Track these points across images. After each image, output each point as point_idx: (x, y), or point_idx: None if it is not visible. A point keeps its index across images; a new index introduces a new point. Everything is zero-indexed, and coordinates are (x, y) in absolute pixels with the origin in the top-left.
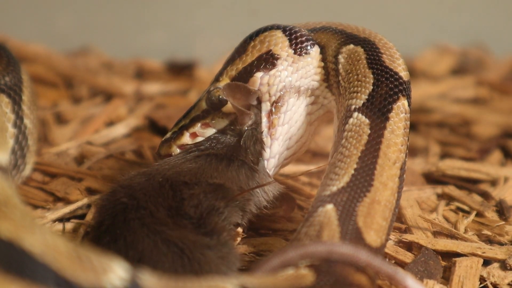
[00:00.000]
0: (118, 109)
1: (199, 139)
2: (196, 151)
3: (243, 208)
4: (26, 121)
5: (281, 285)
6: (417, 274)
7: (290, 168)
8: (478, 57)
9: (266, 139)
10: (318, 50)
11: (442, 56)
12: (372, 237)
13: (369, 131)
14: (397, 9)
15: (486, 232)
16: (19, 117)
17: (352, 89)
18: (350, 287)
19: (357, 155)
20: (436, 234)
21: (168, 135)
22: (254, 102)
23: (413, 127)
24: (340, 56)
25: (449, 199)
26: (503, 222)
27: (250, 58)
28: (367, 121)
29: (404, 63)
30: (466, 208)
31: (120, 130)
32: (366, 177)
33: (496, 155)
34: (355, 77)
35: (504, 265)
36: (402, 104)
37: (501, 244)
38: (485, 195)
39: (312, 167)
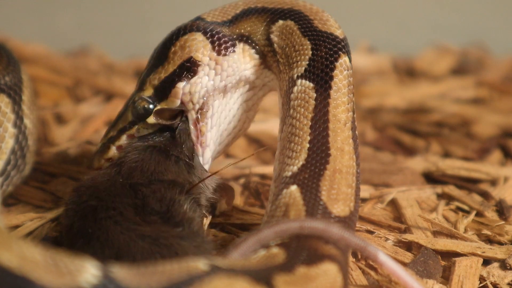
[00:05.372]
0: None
1: None
2: (138, 141)
3: (198, 202)
4: (26, 121)
5: (252, 265)
6: (416, 274)
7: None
8: (478, 57)
9: (197, 148)
10: (242, 46)
11: (442, 56)
12: (340, 208)
13: (315, 94)
14: (397, 9)
15: (486, 232)
16: (19, 117)
17: (291, 60)
18: (322, 259)
19: (307, 124)
20: (436, 233)
21: (99, 147)
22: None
23: (413, 127)
24: (272, 36)
25: (449, 198)
26: (503, 222)
27: (172, 67)
28: (311, 85)
29: (335, 21)
30: (466, 208)
31: None
32: (322, 147)
33: (496, 155)
34: (292, 49)
35: (504, 265)
36: (343, 61)
37: (501, 244)
38: (485, 195)
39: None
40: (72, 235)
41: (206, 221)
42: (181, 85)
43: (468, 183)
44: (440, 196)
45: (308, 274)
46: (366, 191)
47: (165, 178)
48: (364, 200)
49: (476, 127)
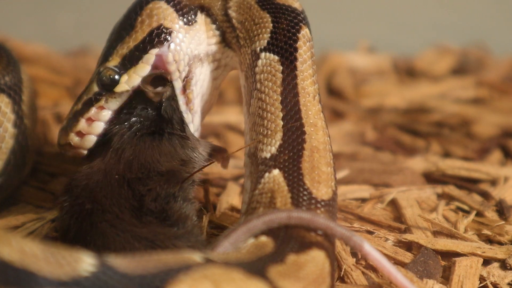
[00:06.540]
0: None
1: (97, 123)
2: (127, 131)
3: (192, 180)
4: (26, 121)
5: (245, 257)
6: (416, 274)
7: None
8: (478, 57)
9: (187, 115)
10: (203, 17)
11: (442, 56)
12: (323, 190)
13: (281, 67)
14: (397, 9)
15: (486, 232)
16: (19, 117)
17: (251, 34)
18: (309, 246)
19: (278, 99)
20: (436, 234)
21: (65, 122)
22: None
23: (413, 127)
24: (229, 11)
25: (449, 199)
26: (503, 222)
27: (141, 35)
28: (276, 57)
29: None
30: (466, 208)
31: None
32: (296, 123)
33: (496, 155)
34: (252, 22)
35: (504, 265)
36: (305, 32)
37: (501, 244)
38: (485, 195)
39: None
40: (69, 240)
41: (205, 219)
42: (154, 51)
43: (468, 183)
44: (440, 196)
45: (298, 262)
46: (366, 191)
47: (162, 169)
48: (364, 200)
49: (476, 127)
